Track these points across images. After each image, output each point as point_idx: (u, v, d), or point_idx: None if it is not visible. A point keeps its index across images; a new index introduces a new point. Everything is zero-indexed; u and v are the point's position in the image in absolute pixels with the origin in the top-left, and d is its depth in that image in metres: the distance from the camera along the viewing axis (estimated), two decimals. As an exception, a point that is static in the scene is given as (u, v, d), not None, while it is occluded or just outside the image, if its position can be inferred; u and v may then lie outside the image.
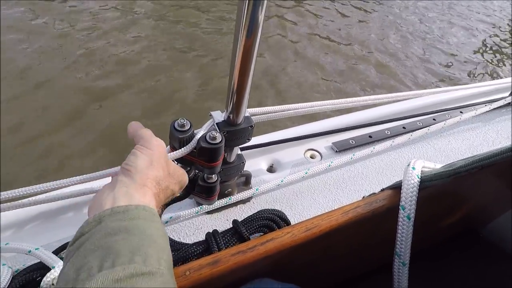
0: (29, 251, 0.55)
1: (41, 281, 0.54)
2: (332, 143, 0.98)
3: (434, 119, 1.09)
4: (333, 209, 0.73)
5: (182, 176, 0.51)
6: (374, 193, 0.55)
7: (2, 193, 0.43)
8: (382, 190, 0.55)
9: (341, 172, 0.90)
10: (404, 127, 1.05)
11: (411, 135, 0.97)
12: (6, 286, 0.52)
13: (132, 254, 0.33)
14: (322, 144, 0.98)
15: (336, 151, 0.96)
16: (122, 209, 0.38)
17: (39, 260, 0.55)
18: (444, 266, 0.80)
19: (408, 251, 0.49)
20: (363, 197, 0.53)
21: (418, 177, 0.49)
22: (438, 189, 0.52)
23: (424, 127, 1.01)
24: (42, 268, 0.54)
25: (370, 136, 1.01)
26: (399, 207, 0.49)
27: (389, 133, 1.03)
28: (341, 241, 0.52)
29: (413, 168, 0.50)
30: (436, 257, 0.79)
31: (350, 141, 0.98)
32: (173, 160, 0.58)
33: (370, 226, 0.53)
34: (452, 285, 0.75)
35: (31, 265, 0.55)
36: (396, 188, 0.53)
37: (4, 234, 0.64)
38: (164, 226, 0.42)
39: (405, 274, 0.49)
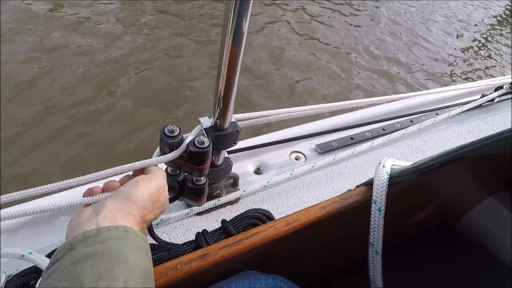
0: (23, 256, 0.56)
1: (34, 284, 0.56)
2: (316, 145, 1.02)
3: (411, 121, 1.16)
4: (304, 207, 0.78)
5: (165, 205, 0.52)
6: (350, 190, 0.59)
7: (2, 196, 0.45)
8: (357, 186, 0.59)
9: (324, 172, 0.94)
10: (383, 129, 1.11)
11: (390, 136, 1.02)
12: (0, 290, 0.53)
13: (97, 280, 0.33)
14: (307, 146, 1.03)
15: (320, 152, 1.00)
16: (94, 233, 0.38)
17: (32, 264, 0.56)
18: (421, 260, 0.86)
19: (380, 240, 0.53)
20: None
21: (388, 174, 0.54)
22: (406, 185, 0.57)
23: (401, 129, 1.07)
24: (36, 272, 0.56)
25: (351, 138, 1.06)
26: (371, 201, 0.53)
27: (369, 134, 1.08)
28: (320, 234, 0.56)
29: (383, 166, 0.55)
30: (412, 251, 0.84)
31: (333, 143, 1.03)
32: (165, 163, 0.61)
33: (346, 220, 0.57)
34: (429, 278, 0.80)
35: (24, 269, 0.57)
36: (369, 184, 0.57)
37: (-3, 240, 0.66)
38: (145, 237, 0.42)
39: (378, 262, 0.54)
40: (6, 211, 0.59)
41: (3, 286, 0.54)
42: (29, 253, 0.56)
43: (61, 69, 2.62)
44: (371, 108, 1.22)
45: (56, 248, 0.62)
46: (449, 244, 0.97)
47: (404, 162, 0.59)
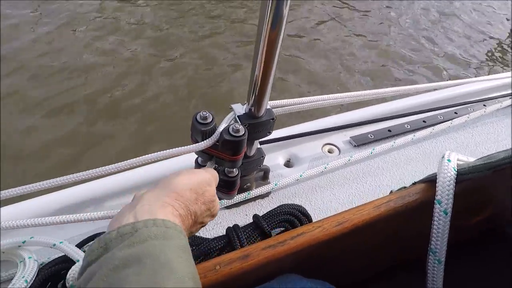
0: (54, 245, 0.55)
1: (65, 274, 0.55)
2: (350, 137, 0.96)
3: (455, 113, 1.06)
4: (354, 203, 0.71)
5: (215, 208, 0.48)
6: (404, 187, 0.53)
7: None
8: (414, 183, 0.53)
9: (361, 167, 0.88)
10: (424, 121, 1.03)
11: (433, 129, 0.94)
12: (33, 279, 0.52)
13: None
14: (340, 138, 0.96)
15: (355, 145, 0.94)
16: (129, 229, 0.34)
17: (63, 254, 0.55)
18: (478, 263, 0.78)
19: (444, 248, 0.47)
20: (391, 191, 0.52)
21: (455, 170, 0.47)
22: (475, 183, 0.50)
23: (446, 121, 0.98)
24: (66, 261, 0.55)
25: (389, 130, 0.99)
26: (435, 201, 0.47)
27: (408, 127, 1.00)
28: (372, 235, 0.51)
29: (449, 160, 0.48)
30: (469, 253, 0.76)
31: (369, 135, 0.96)
32: (195, 153, 0.58)
33: (401, 221, 0.51)
34: (488, 282, 0.72)
35: (56, 258, 0.56)
36: (430, 181, 0.51)
37: (29, 228, 0.65)
38: (184, 232, 0.38)
39: (440, 272, 0.47)
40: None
41: (35, 274, 0.54)
42: (60, 242, 0.56)
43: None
44: (409, 98, 1.13)
45: (87, 238, 0.61)
46: (504, 248, 0.88)
47: (465, 157, 0.52)
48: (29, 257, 0.55)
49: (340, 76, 2.91)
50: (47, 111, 2.26)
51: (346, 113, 1.04)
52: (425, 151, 0.95)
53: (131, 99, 2.43)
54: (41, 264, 0.57)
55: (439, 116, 1.04)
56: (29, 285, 0.51)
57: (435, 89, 1.13)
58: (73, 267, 0.51)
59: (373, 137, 0.96)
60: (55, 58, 2.68)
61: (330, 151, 0.93)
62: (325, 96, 0.75)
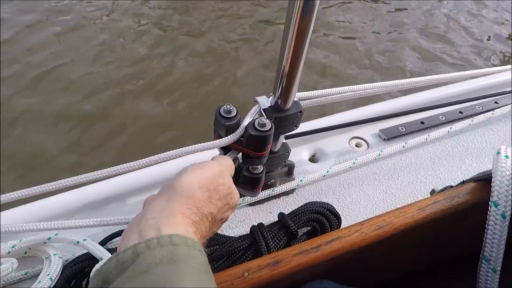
0: (77, 242, 0.55)
1: (89, 272, 0.54)
2: (380, 130, 0.90)
3: (496, 102, 0.97)
4: (386, 201, 0.66)
5: (234, 200, 0.43)
6: (450, 186, 0.48)
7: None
8: (463, 182, 0.48)
9: (392, 162, 0.82)
10: (461, 112, 0.95)
11: (472, 120, 0.87)
12: (58, 276, 0.52)
13: None
14: (368, 131, 0.91)
15: (385, 139, 0.88)
16: (129, 256, 0.29)
17: (86, 251, 0.54)
18: None
19: (501, 256, 0.41)
20: (432, 190, 0.47)
21: None
22: None
23: (486, 111, 0.90)
24: (90, 259, 0.54)
25: (422, 122, 0.92)
26: (490, 203, 0.41)
27: (444, 118, 0.93)
28: (413, 239, 0.46)
29: (506, 156, 0.42)
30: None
31: (400, 128, 0.90)
32: (218, 150, 0.55)
33: (448, 225, 0.46)
34: None
35: (80, 256, 0.55)
36: (483, 180, 0.45)
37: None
38: (199, 246, 0.32)
39: (495, 283, 0.42)
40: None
41: (60, 271, 0.53)
42: (84, 239, 0.55)
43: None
44: (442, 87, 1.05)
45: (110, 235, 0.60)
46: None
47: None
48: (54, 254, 0.55)
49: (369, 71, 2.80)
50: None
51: (374, 105, 0.97)
52: (464, 144, 0.87)
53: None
54: (66, 261, 0.57)
55: (477, 107, 0.96)
56: (54, 282, 0.50)
57: (472, 78, 1.05)
58: (96, 266, 0.50)
59: (404, 129, 0.90)
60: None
61: (357, 145, 0.88)
62: (356, 87, 0.70)
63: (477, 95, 0.98)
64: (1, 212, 0.61)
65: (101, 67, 2.62)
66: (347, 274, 0.45)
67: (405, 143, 0.81)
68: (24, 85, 2.42)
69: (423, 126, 0.91)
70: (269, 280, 0.36)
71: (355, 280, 0.42)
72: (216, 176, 0.41)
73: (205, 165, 0.42)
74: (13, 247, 0.54)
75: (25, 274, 0.56)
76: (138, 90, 2.47)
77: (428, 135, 0.83)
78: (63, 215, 0.66)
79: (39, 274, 0.52)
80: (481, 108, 0.95)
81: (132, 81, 2.53)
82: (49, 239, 0.56)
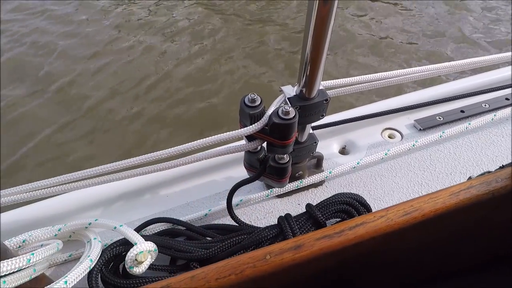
0: (115, 227, 0.58)
1: (125, 255, 0.58)
2: (415, 120, 0.85)
3: None
4: (421, 192, 0.63)
5: None
6: (488, 172, 0.44)
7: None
8: (502, 167, 0.44)
9: (428, 153, 0.78)
10: (507, 99, 0.87)
11: None
12: (97, 258, 0.56)
13: None
14: (402, 122, 0.87)
15: (420, 129, 0.83)
16: None
17: (123, 236, 0.58)
18: None
19: None
20: (469, 177, 0.43)
21: None
22: None
23: None
24: (126, 244, 0.58)
25: (462, 111, 0.86)
26: None
27: (487, 106, 0.86)
28: (446, 228, 0.44)
29: None
30: None
31: (437, 117, 0.85)
32: (244, 139, 0.56)
33: (484, 211, 0.43)
34: None
35: (117, 241, 0.59)
36: None
37: (95, 212, 0.70)
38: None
39: None
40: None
41: (99, 254, 0.57)
42: (120, 225, 0.58)
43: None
44: (484, 73, 0.97)
45: (144, 223, 0.64)
46: None
47: None
48: (94, 238, 0.59)
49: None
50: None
51: (408, 94, 0.93)
52: (509, 133, 0.80)
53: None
54: (105, 245, 0.61)
55: None
56: (93, 263, 0.54)
57: None
58: (131, 250, 0.53)
59: (442, 119, 0.84)
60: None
61: (391, 136, 0.84)
62: (385, 74, 0.67)
63: None
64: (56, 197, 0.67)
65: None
66: (375, 263, 0.43)
67: (442, 132, 0.76)
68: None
69: (463, 115, 0.85)
70: (291, 264, 0.36)
71: (382, 270, 0.40)
72: None
73: None
74: (59, 230, 0.59)
75: (70, 256, 0.61)
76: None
77: (469, 124, 0.77)
78: (102, 204, 0.71)
79: (81, 256, 0.56)
80: None
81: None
82: (90, 224, 0.60)
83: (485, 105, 0.86)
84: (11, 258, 0.42)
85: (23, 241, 0.56)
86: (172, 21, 3.38)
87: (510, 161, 0.45)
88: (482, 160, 0.75)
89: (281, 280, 0.38)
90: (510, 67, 0.96)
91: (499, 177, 0.40)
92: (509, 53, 0.85)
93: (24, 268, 0.45)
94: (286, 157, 0.58)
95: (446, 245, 0.48)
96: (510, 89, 0.87)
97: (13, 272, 0.43)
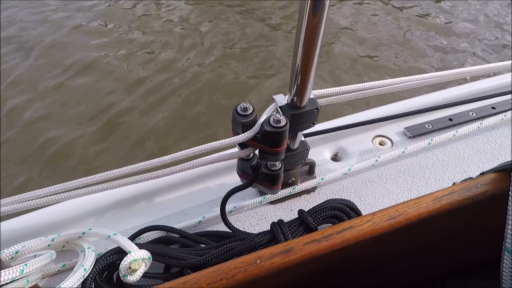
0: (109, 236, 0.59)
1: (119, 264, 0.58)
2: (404, 128, 0.88)
3: None
4: (410, 198, 0.65)
5: None
6: (470, 178, 0.46)
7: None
8: (482, 173, 0.46)
9: (417, 160, 0.80)
10: (493, 107, 0.90)
11: (505, 116, 0.82)
12: (91, 268, 0.56)
13: None
14: (393, 129, 0.89)
15: (410, 136, 0.86)
16: None
17: (117, 245, 0.58)
18: None
19: None
20: (454, 183, 0.45)
21: None
22: None
23: None
24: (120, 252, 0.58)
25: (450, 119, 0.88)
26: (510, 193, 0.40)
27: (474, 114, 0.89)
28: (430, 233, 0.45)
29: None
30: None
31: (426, 125, 0.87)
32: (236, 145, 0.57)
33: (466, 216, 0.44)
34: None
35: (111, 249, 0.59)
36: (503, 171, 0.43)
37: (88, 221, 0.71)
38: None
39: None
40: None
41: (93, 263, 0.57)
42: (114, 234, 0.59)
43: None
44: (472, 83, 1.01)
45: (138, 231, 0.64)
46: None
47: None
48: (88, 247, 0.59)
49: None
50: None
51: (398, 102, 0.95)
52: (496, 140, 0.83)
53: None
54: (99, 255, 0.61)
55: None
56: (87, 273, 0.54)
57: (505, 71, 0.99)
58: (125, 258, 0.54)
59: (431, 127, 0.87)
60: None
61: (381, 144, 0.86)
62: (375, 83, 0.69)
63: (507, 89, 0.93)
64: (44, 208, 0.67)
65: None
66: (362, 267, 0.44)
67: (431, 139, 0.78)
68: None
69: (451, 123, 0.87)
70: (281, 268, 0.36)
71: (370, 274, 0.41)
72: None
73: None
74: (52, 240, 0.59)
75: (63, 266, 0.61)
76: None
77: (456, 131, 0.80)
78: (96, 213, 0.71)
79: (75, 266, 0.56)
80: None
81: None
82: (83, 233, 0.60)
83: (472, 114, 0.89)
84: (4, 269, 0.42)
85: (16, 252, 0.56)
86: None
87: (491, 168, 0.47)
88: (469, 166, 0.77)
89: (272, 283, 0.39)
90: (496, 77, 1.00)
91: (479, 183, 0.42)
92: (495, 64, 0.88)
93: (17, 279, 0.45)
94: (278, 164, 0.60)
95: (430, 249, 0.49)
96: (496, 98, 0.90)
97: (6, 283, 0.43)
